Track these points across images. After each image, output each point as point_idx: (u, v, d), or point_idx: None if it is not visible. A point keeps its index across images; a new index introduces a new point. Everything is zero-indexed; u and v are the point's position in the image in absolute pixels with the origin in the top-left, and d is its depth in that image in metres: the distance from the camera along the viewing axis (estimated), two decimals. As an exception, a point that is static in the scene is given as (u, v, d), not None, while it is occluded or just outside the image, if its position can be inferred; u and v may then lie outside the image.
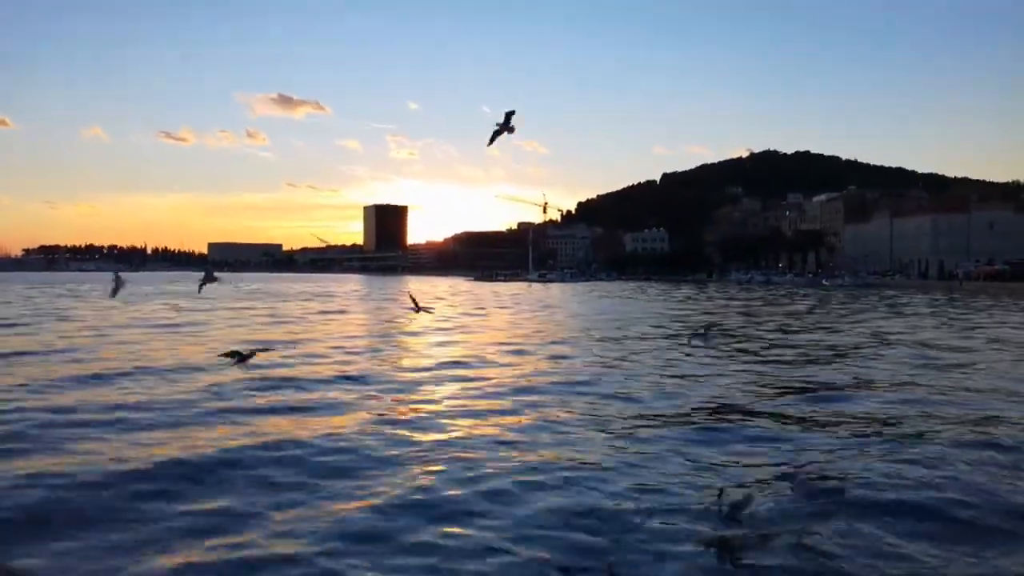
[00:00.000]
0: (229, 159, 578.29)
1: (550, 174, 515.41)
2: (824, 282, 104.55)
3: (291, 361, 18.37)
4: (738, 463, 9.00)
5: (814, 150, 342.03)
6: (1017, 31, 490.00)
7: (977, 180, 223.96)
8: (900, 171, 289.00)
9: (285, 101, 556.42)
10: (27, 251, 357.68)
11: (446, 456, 9.25)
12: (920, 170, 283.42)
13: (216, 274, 13.99)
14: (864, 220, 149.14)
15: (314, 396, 13.48)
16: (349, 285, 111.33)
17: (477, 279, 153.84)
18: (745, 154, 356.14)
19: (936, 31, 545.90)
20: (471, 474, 8.40)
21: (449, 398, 13.59)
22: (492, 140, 8.90)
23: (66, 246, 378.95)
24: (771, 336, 27.39)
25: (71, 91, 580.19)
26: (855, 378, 16.13)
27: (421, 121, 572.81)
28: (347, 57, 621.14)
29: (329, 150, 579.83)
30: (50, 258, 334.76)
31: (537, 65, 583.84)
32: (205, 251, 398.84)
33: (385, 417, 11.76)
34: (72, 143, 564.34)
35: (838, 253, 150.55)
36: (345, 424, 11.04)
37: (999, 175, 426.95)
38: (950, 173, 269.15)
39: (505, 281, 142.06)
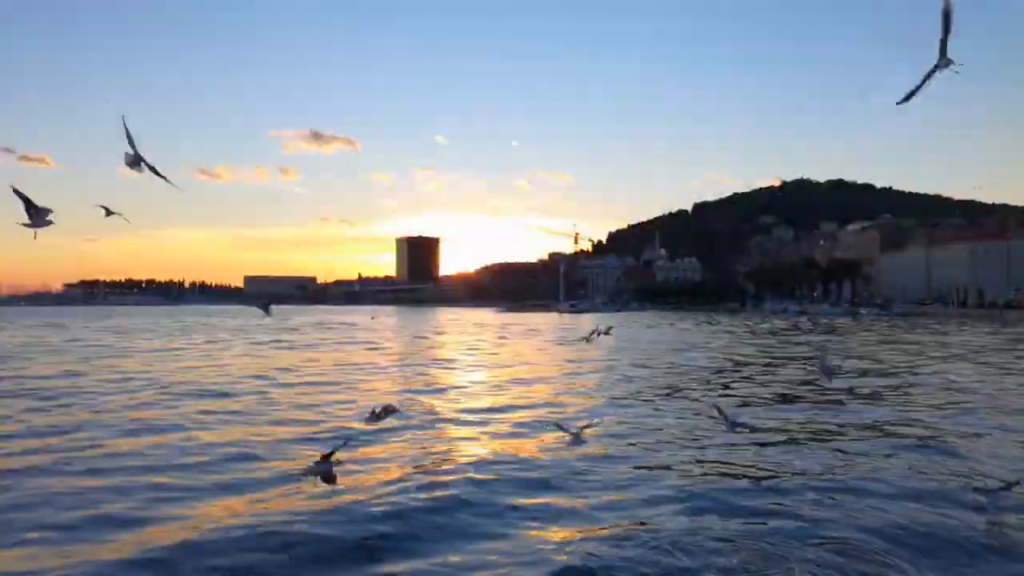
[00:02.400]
0: (263, 194, 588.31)
1: (580, 205, 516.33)
2: (862, 311, 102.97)
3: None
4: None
5: (848, 178, 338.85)
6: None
7: (1016, 206, 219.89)
8: (936, 198, 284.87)
9: (317, 137, 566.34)
10: (68, 285, 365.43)
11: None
12: (956, 197, 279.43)
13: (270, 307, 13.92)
14: (900, 248, 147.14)
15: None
16: (390, 319, 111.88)
17: (508, 310, 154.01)
18: (777, 183, 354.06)
19: (971, 56, 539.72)
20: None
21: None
22: None
23: (105, 281, 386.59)
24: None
25: (109, 130, 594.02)
26: None
27: (450, 155, 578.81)
28: (377, 94, 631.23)
29: (360, 184, 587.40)
30: (90, 292, 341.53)
31: (565, 96, 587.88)
32: (241, 284, 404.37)
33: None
34: (110, 180, 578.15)
35: (874, 282, 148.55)
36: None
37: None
38: (988, 200, 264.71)
39: (536, 312, 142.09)
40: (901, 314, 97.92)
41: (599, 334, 24.38)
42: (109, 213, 7.24)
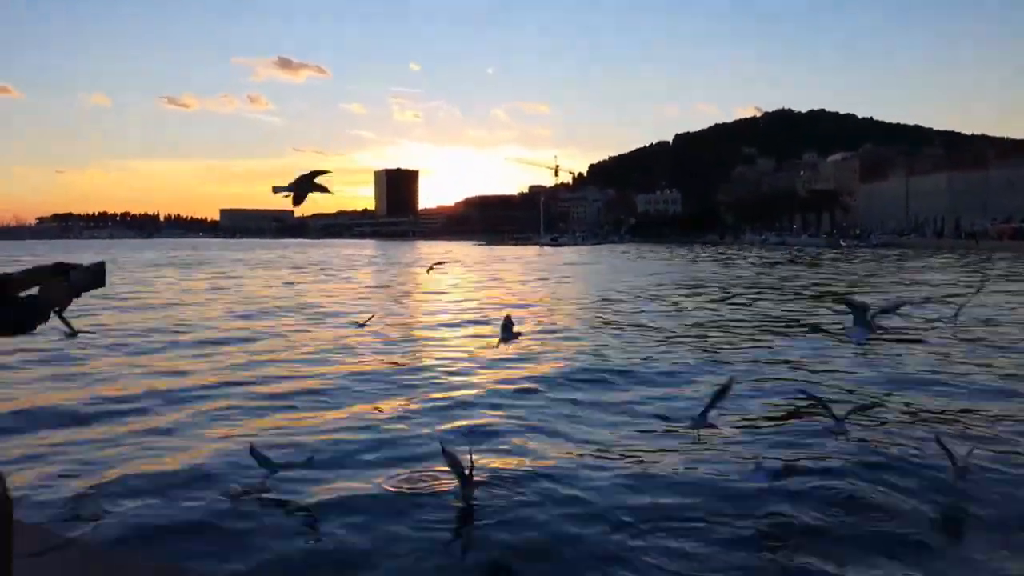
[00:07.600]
0: (234, 124, 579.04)
1: (559, 136, 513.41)
2: (842, 243, 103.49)
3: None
4: None
5: (829, 108, 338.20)
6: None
7: (996, 137, 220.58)
8: (917, 129, 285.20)
9: (285, 64, 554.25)
10: (41, 219, 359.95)
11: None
12: (937, 127, 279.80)
13: None
14: (880, 179, 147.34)
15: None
16: (361, 251, 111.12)
17: (489, 243, 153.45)
18: (758, 114, 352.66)
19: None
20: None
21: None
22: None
23: (79, 214, 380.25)
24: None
25: (70, 58, 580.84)
26: None
27: (423, 83, 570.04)
28: (345, 19, 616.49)
29: (333, 114, 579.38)
30: (64, 226, 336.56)
31: (541, 25, 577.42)
32: (217, 218, 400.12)
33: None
34: (76, 110, 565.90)
35: (853, 213, 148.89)
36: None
37: (1018, 131, 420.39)
38: (967, 130, 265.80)
39: (516, 245, 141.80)
40: (880, 245, 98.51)
41: None
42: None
